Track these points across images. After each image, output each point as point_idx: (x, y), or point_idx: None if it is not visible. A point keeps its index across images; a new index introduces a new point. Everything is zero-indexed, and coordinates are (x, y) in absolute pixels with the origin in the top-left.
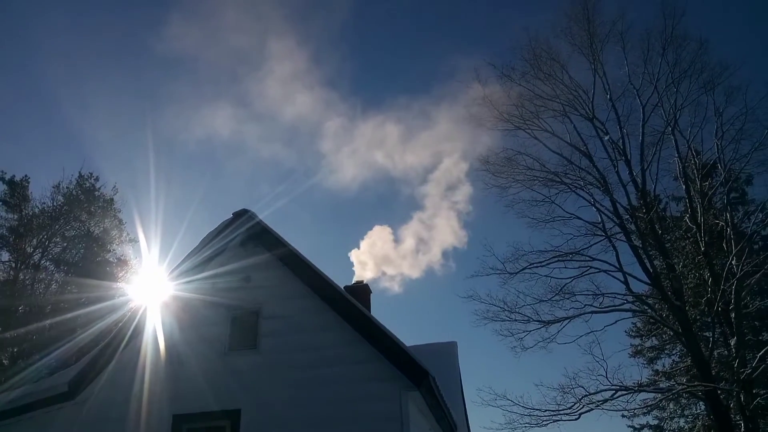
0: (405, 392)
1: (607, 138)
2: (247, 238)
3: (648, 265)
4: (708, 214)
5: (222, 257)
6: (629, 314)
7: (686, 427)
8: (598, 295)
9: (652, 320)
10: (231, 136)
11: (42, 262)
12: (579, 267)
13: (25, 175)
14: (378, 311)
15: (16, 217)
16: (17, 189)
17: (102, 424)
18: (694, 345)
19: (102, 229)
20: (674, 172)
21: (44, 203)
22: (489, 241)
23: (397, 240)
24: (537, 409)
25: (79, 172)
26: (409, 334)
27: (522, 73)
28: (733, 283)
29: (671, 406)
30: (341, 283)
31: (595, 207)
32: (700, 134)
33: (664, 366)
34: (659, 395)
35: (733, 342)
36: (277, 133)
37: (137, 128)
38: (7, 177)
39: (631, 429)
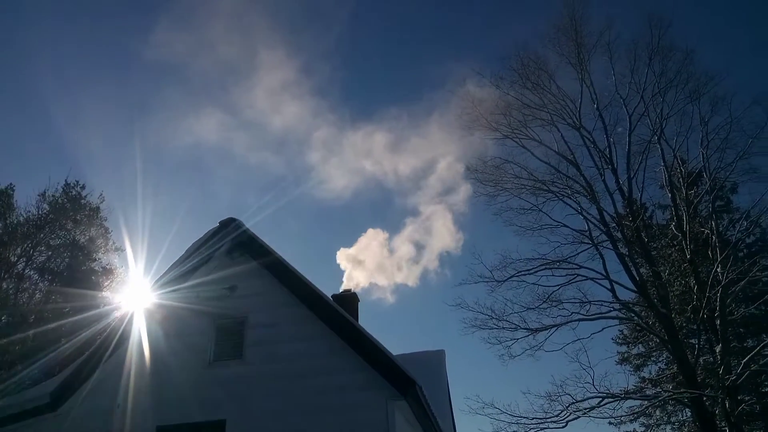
0: (391, 401)
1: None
2: (233, 247)
3: (634, 272)
4: (694, 222)
5: (208, 266)
6: (616, 322)
7: None
8: (585, 302)
9: (638, 327)
10: (219, 144)
11: (26, 271)
12: (566, 275)
13: (10, 183)
14: (367, 320)
15: (0, 225)
16: (2, 197)
17: None
18: (680, 352)
19: (87, 237)
20: (660, 180)
21: (29, 211)
22: (481, 247)
23: (390, 249)
24: (524, 417)
25: (65, 180)
26: (397, 343)
27: (510, 83)
28: (719, 290)
29: (658, 413)
30: (331, 291)
31: (582, 215)
32: (686, 143)
33: (650, 373)
34: (646, 402)
35: (718, 349)
36: (265, 141)
37: (124, 136)
38: None
39: None
